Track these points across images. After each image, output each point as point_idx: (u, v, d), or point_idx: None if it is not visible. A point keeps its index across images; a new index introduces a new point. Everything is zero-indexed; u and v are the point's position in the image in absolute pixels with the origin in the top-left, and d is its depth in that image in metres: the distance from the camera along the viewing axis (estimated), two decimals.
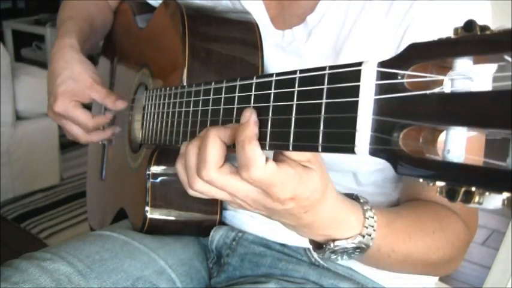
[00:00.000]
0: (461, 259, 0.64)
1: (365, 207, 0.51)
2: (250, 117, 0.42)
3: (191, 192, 0.48)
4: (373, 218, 0.51)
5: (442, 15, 0.59)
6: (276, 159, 0.44)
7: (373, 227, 0.51)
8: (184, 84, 0.67)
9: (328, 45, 0.68)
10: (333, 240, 0.50)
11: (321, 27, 0.68)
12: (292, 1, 0.72)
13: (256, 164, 0.40)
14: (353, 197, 0.52)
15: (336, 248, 0.50)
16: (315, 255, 0.73)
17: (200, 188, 0.46)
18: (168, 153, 0.73)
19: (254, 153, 0.41)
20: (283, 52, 0.72)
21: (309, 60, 0.69)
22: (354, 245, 0.50)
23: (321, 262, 0.73)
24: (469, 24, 0.27)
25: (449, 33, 0.64)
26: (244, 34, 0.73)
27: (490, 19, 0.62)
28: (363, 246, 0.50)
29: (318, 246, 0.52)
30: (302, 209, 0.45)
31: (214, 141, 0.43)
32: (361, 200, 0.52)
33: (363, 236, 0.50)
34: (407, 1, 0.61)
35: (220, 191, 0.45)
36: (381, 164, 0.72)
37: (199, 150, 0.45)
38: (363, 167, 0.70)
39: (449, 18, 0.59)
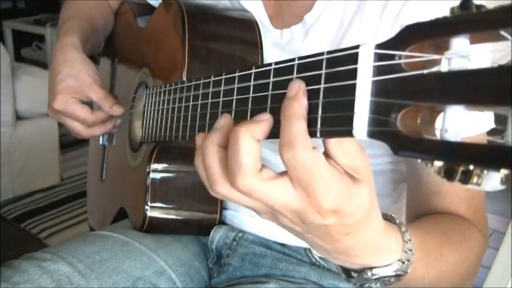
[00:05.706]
0: (479, 269, 0.60)
1: (402, 229, 0.45)
2: (299, 90, 0.36)
3: (212, 193, 0.41)
4: (410, 240, 0.45)
5: (434, 15, 0.59)
6: None
7: (411, 250, 0.45)
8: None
9: (325, 44, 0.67)
10: (370, 268, 0.44)
11: (318, 26, 0.68)
12: (291, 0, 0.72)
13: (304, 144, 0.35)
14: (387, 217, 0.46)
15: (373, 277, 0.44)
16: (316, 255, 0.73)
17: (225, 194, 0.39)
18: (168, 150, 0.73)
19: (304, 131, 0.35)
20: (281, 51, 0.72)
21: None
22: (393, 273, 0.44)
23: (322, 262, 0.73)
24: (466, 3, 0.28)
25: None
26: (244, 32, 0.73)
27: None
28: (401, 273, 0.45)
29: (348, 273, 0.46)
30: (343, 228, 0.39)
31: (249, 141, 0.36)
32: (397, 221, 0.46)
33: (403, 263, 0.44)
34: (400, 1, 0.61)
35: (253, 200, 0.38)
36: (379, 165, 0.72)
37: (229, 154, 0.37)
38: None
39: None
